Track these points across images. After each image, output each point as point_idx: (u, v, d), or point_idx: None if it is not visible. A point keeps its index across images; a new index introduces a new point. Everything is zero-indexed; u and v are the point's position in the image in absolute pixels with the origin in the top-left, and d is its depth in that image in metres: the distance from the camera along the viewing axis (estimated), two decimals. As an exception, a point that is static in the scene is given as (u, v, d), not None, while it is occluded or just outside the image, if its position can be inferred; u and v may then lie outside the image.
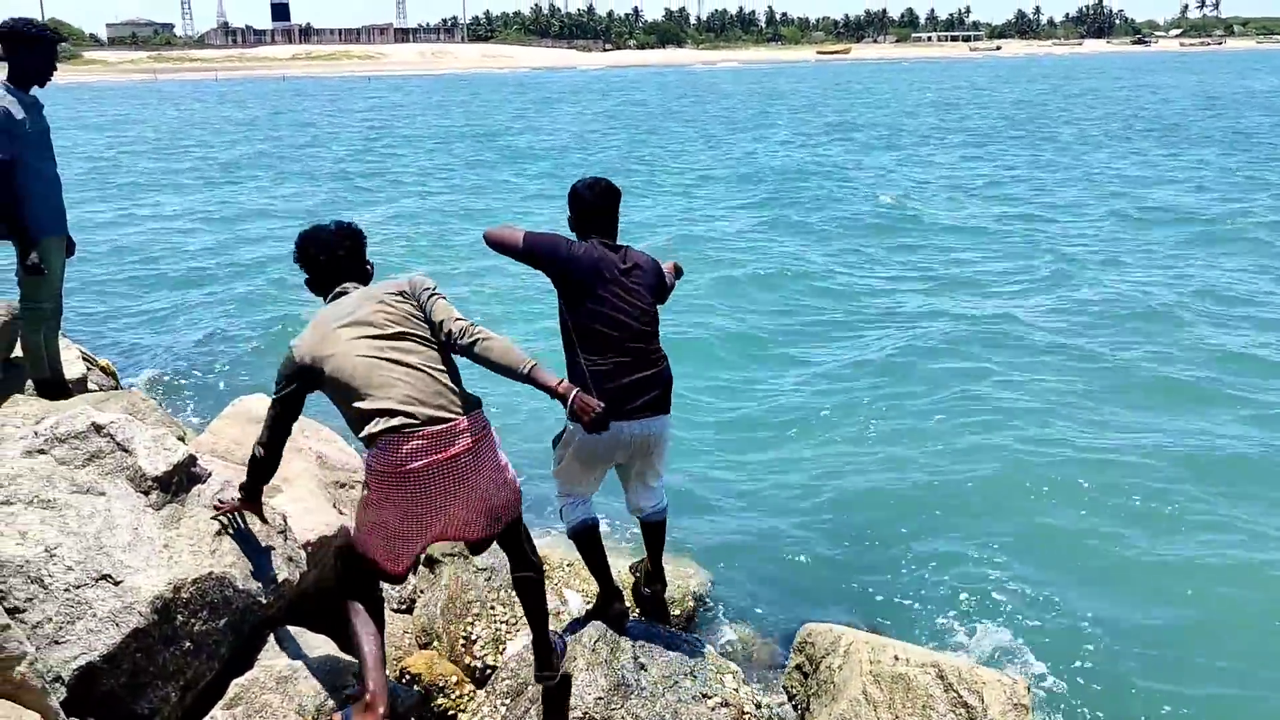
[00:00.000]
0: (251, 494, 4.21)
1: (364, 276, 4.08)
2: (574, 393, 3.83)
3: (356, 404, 3.63)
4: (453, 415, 3.64)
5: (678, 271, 5.01)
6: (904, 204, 20.25)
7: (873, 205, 20.31)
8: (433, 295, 3.86)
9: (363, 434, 3.64)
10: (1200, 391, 9.10)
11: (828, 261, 15.29)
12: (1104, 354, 10.15)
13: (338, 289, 3.99)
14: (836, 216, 19.18)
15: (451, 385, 3.72)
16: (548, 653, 4.17)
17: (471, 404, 3.75)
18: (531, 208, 21.13)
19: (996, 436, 8.19)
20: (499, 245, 4.56)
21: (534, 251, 4.49)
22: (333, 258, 4.03)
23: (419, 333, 3.76)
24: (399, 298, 3.83)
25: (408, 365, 3.67)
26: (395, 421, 3.56)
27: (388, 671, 4.10)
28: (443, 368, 3.75)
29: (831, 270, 14.64)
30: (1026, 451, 7.84)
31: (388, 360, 3.66)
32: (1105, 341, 10.60)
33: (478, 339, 3.73)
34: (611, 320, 4.44)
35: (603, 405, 3.90)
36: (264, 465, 4.04)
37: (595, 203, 4.63)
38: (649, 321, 4.55)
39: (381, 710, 3.56)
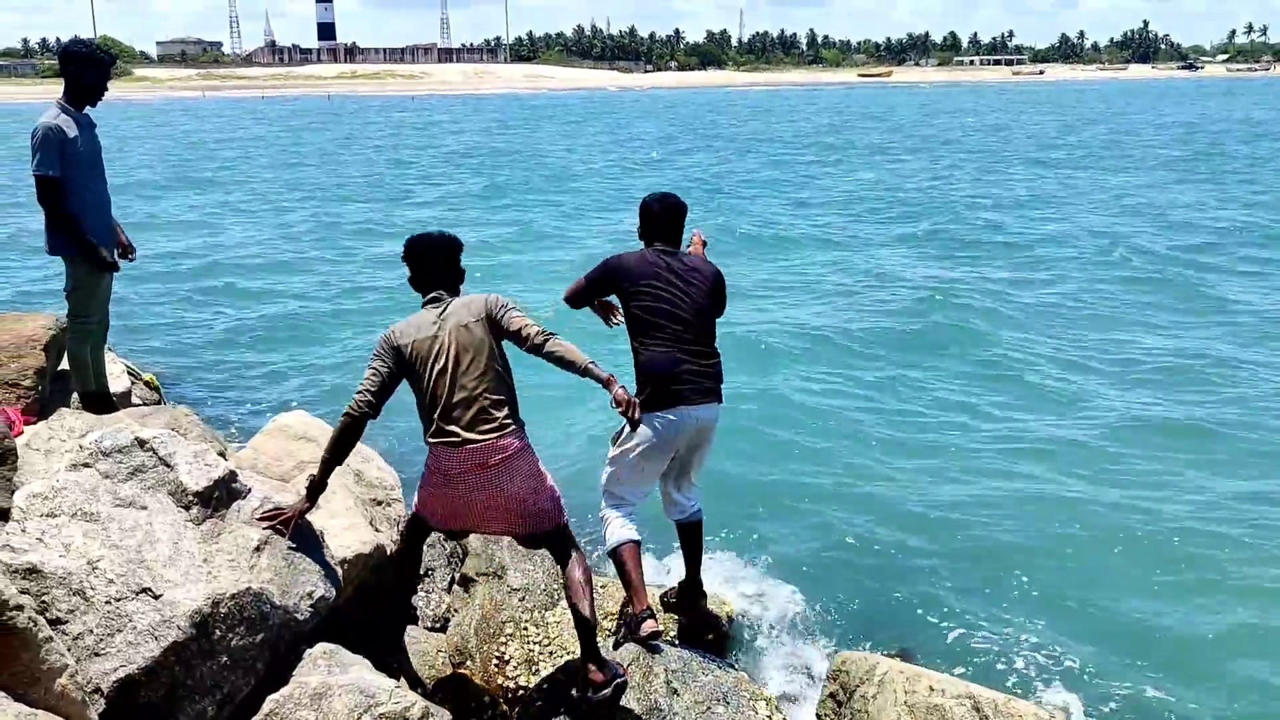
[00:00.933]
0: (318, 489, 4.53)
1: (455, 280, 4.59)
2: (617, 385, 4.26)
3: (422, 408, 4.39)
4: (490, 437, 4.26)
5: (703, 244, 5.49)
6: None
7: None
8: (508, 310, 4.39)
9: (426, 434, 4.39)
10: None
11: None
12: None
13: (433, 294, 4.49)
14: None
15: (497, 410, 4.29)
16: (600, 662, 4.35)
17: (512, 425, 4.33)
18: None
19: (1044, 470, 8.08)
20: (574, 298, 5.21)
21: (595, 281, 5.07)
22: (430, 261, 4.55)
23: (484, 358, 4.31)
24: (479, 322, 4.35)
25: (466, 389, 4.28)
26: (445, 439, 4.28)
27: (420, 692, 4.50)
28: (497, 395, 4.32)
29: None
30: (1075, 489, 7.71)
31: (452, 381, 4.28)
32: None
33: (548, 340, 4.31)
34: (667, 312, 4.86)
35: (639, 401, 4.40)
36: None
37: (661, 215, 5.09)
38: (704, 315, 4.96)
39: None
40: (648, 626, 4.68)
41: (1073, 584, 6.37)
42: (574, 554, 4.49)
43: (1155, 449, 8.48)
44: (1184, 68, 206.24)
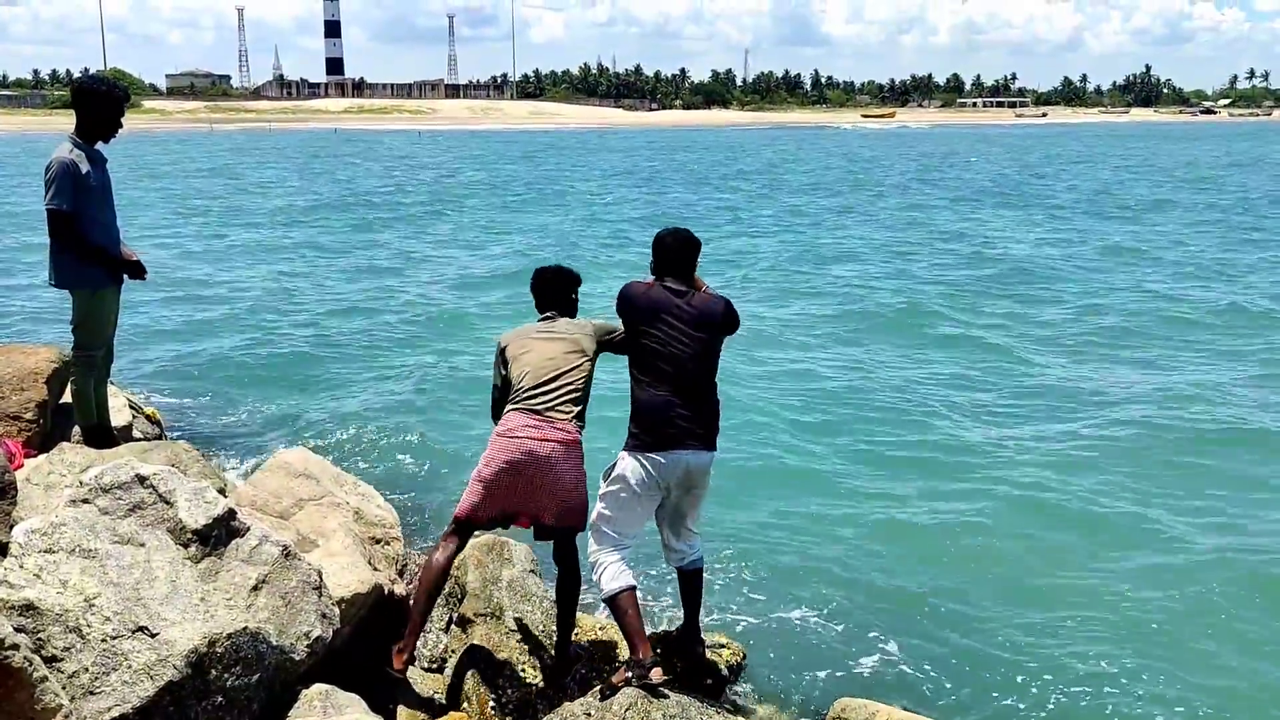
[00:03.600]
0: None
1: (566, 307, 5.30)
2: None
3: (512, 380, 4.97)
4: (554, 417, 4.84)
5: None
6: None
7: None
8: (612, 332, 5.12)
9: (506, 402, 4.98)
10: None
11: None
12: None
13: (547, 314, 5.23)
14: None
15: (567, 405, 4.87)
16: (568, 662, 5.16)
17: (576, 420, 4.89)
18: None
19: (1053, 515, 8.03)
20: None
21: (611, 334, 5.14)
22: (545, 288, 5.30)
23: (571, 366, 4.95)
24: (587, 335, 5.05)
25: (561, 376, 4.91)
26: (518, 402, 4.89)
27: None
28: (574, 392, 4.91)
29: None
30: (1082, 533, 7.68)
31: (550, 371, 4.92)
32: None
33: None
34: (671, 357, 4.89)
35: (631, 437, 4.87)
36: None
37: (673, 248, 5.09)
38: (703, 361, 4.97)
39: (405, 658, 4.79)
40: (657, 674, 4.65)
41: (1083, 636, 6.30)
42: (573, 562, 5.07)
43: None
44: (1205, 112, 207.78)
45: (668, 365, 4.88)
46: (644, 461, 4.87)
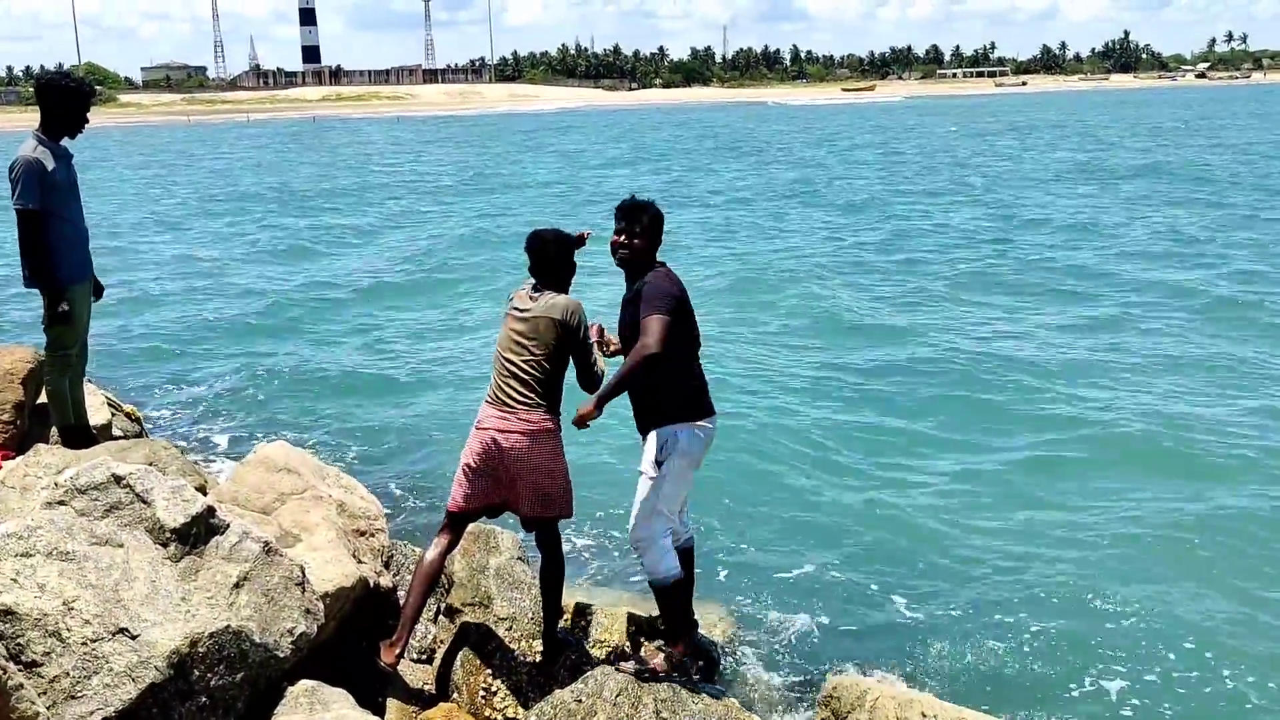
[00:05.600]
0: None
1: (556, 273, 4.99)
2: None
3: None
4: (516, 408, 4.79)
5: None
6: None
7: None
8: (585, 338, 4.90)
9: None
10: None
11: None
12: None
13: (537, 284, 4.98)
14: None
15: (528, 392, 4.80)
16: (556, 649, 5.13)
17: (540, 408, 4.81)
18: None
19: (1040, 491, 8.02)
20: (667, 342, 4.67)
21: (676, 317, 4.76)
22: (537, 255, 5.00)
23: (537, 351, 4.81)
24: (550, 324, 4.81)
25: (514, 365, 4.83)
26: (487, 393, 4.91)
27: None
28: (533, 378, 4.81)
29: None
30: (1077, 508, 7.67)
31: (506, 357, 4.86)
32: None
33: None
34: (698, 332, 5.00)
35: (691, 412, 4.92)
36: None
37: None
38: None
39: (397, 651, 4.78)
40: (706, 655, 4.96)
41: (1071, 607, 6.31)
42: (555, 549, 5.06)
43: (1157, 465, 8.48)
44: (1199, 75, 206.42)
45: (698, 341, 4.97)
46: (699, 431, 4.89)
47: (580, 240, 5.14)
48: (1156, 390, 10.30)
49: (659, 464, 4.86)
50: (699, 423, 4.91)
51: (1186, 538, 7.05)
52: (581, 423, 4.62)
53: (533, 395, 4.81)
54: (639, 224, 4.88)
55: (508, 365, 4.85)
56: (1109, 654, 5.79)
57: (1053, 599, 6.37)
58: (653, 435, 4.87)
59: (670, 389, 4.86)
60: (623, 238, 4.90)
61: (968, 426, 9.53)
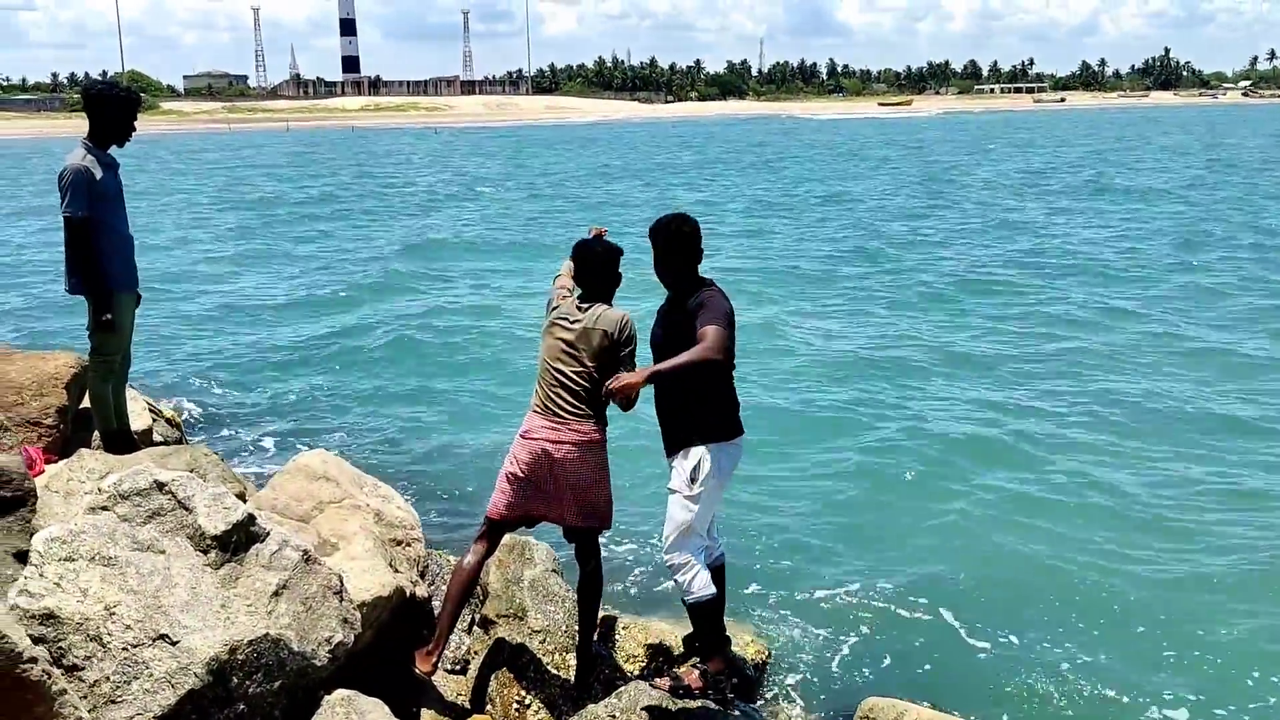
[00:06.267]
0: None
1: (603, 284, 4.98)
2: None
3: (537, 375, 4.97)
4: (567, 418, 4.80)
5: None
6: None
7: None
8: (631, 354, 4.83)
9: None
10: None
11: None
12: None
13: (586, 297, 4.96)
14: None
15: (579, 403, 4.79)
16: (591, 663, 5.15)
17: (590, 419, 4.81)
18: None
19: (1080, 515, 7.85)
20: (729, 353, 4.70)
21: (732, 333, 4.72)
22: (587, 268, 4.99)
23: (588, 362, 4.80)
24: (602, 336, 4.79)
25: (565, 375, 4.82)
26: (535, 401, 4.91)
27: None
28: (584, 388, 4.80)
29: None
30: (1117, 536, 7.49)
31: (555, 366, 4.85)
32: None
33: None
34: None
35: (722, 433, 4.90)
36: None
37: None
38: None
39: (434, 660, 4.82)
40: (743, 675, 4.95)
41: (1115, 635, 6.19)
42: (594, 562, 5.09)
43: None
44: (1245, 94, 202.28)
45: (734, 362, 4.92)
46: (732, 449, 4.90)
47: (599, 239, 5.17)
48: None
49: (693, 482, 4.84)
50: (733, 441, 4.91)
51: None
52: (624, 391, 4.49)
53: (583, 405, 4.81)
54: (663, 245, 4.89)
55: (558, 375, 4.84)
56: (1158, 682, 5.68)
57: (1104, 628, 6.23)
58: (687, 453, 4.83)
59: (707, 406, 4.84)
60: (661, 265, 4.93)
61: (1017, 440, 9.42)
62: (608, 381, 4.57)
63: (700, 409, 4.83)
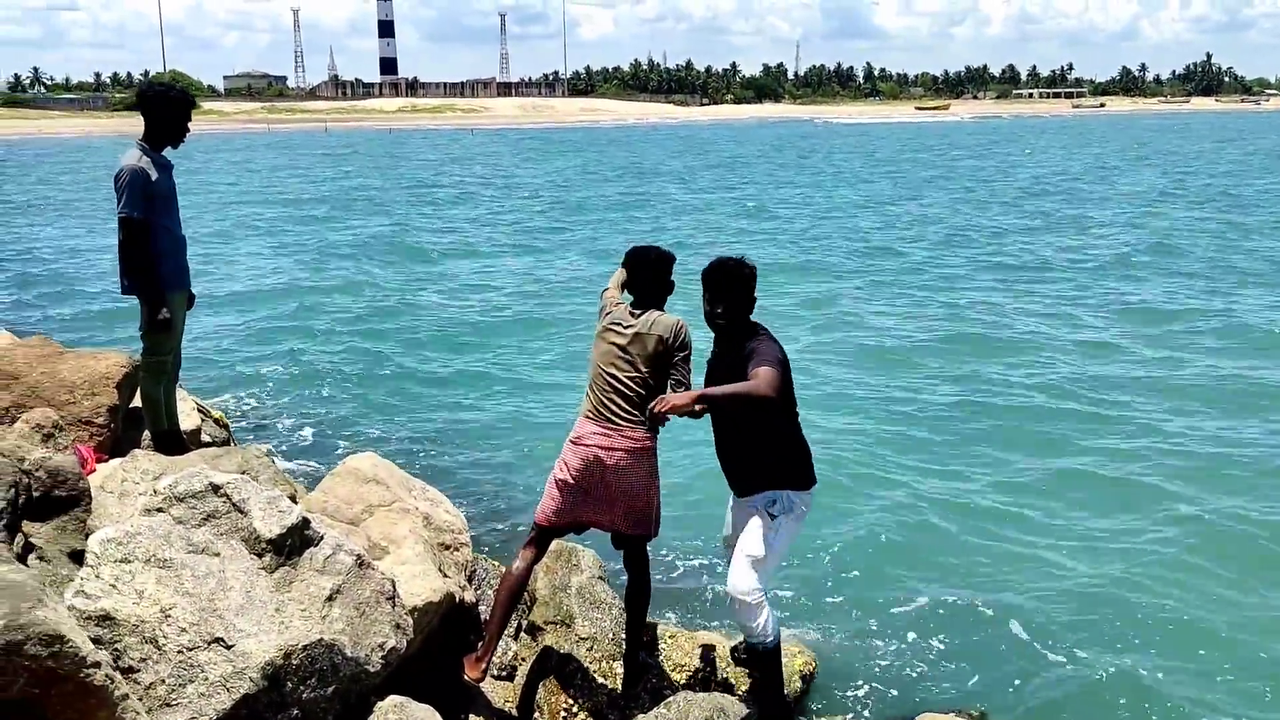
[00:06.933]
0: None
1: (656, 290, 4.96)
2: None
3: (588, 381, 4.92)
4: (620, 425, 4.75)
5: None
6: None
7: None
8: (685, 359, 4.79)
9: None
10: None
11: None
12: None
13: (638, 304, 4.93)
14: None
15: (633, 409, 4.74)
16: (638, 671, 5.15)
17: (643, 426, 4.73)
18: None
19: (1151, 530, 7.67)
20: (778, 387, 4.46)
21: (786, 375, 4.65)
22: (639, 274, 4.97)
23: (643, 367, 4.76)
24: (657, 341, 4.75)
25: (619, 381, 4.77)
26: (586, 407, 4.86)
27: None
28: (638, 394, 4.74)
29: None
30: (1179, 553, 7.29)
31: (609, 372, 4.80)
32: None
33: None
34: None
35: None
36: None
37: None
38: None
39: (483, 667, 4.75)
40: None
41: (1170, 654, 6.06)
42: (643, 572, 5.09)
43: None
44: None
45: (797, 409, 4.91)
46: (805, 498, 4.90)
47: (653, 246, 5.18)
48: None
49: (772, 515, 4.78)
50: (809, 490, 4.92)
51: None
52: (673, 412, 4.34)
53: (637, 412, 4.76)
54: (728, 292, 4.77)
55: (611, 381, 4.80)
56: (1222, 701, 5.57)
57: (1171, 650, 6.09)
58: (763, 495, 4.81)
59: (782, 454, 4.81)
60: (717, 309, 4.80)
61: (1097, 454, 9.22)
62: (653, 402, 4.45)
63: (778, 455, 4.80)
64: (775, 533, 4.75)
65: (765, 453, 4.78)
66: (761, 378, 4.34)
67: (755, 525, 4.79)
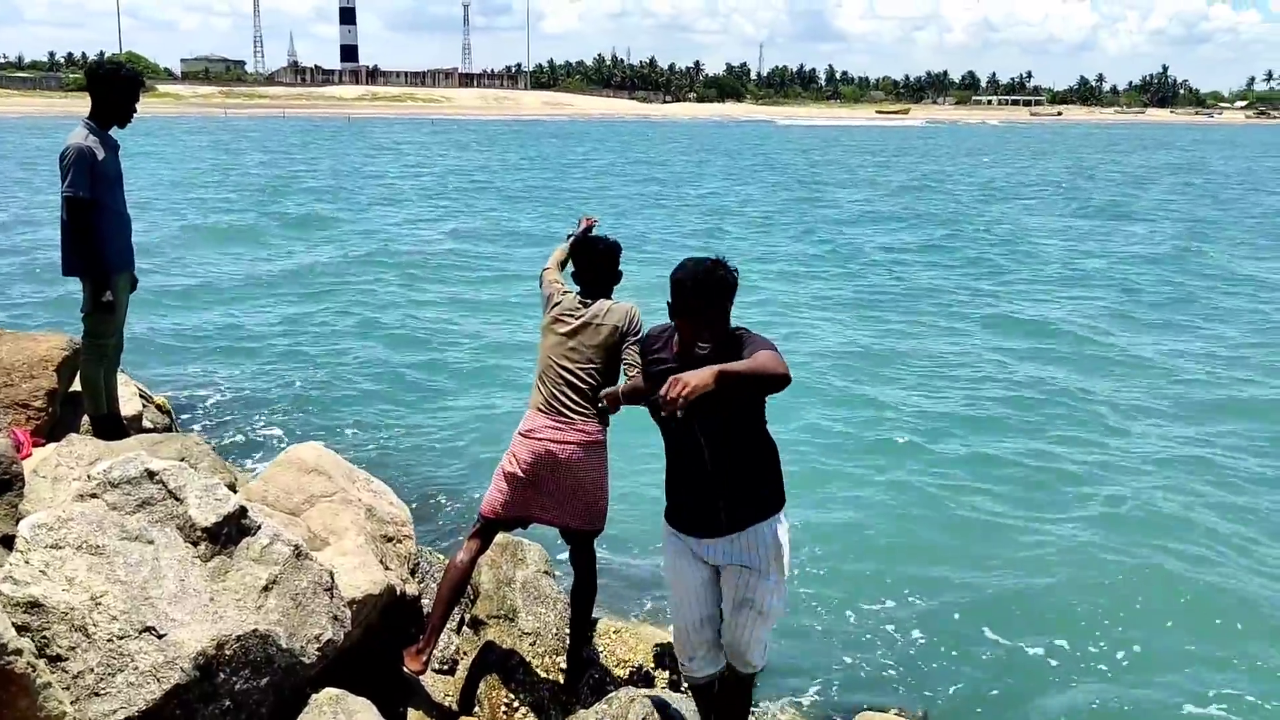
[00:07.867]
0: None
1: (606, 280, 4.89)
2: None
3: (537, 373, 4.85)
4: (572, 418, 4.69)
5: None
6: None
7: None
8: (635, 343, 4.65)
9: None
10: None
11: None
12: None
13: (587, 293, 4.86)
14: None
15: (584, 401, 4.69)
16: (580, 666, 5.10)
17: (594, 419, 4.71)
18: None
19: (1078, 526, 7.82)
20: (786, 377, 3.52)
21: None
22: (588, 262, 4.90)
23: (595, 359, 4.72)
24: (611, 331, 4.71)
25: (570, 372, 4.72)
26: (537, 399, 4.79)
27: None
28: (590, 386, 4.70)
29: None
30: (1116, 546, 7.44)
31: (560, 364, 4.74)
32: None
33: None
34: None
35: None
36: None
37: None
38: None
39: (424, 659, 4.75)
40: None
41: (1107, 648, 6.16)
42: (587, 568, 5.02)
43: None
44: (1260, 114, 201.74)
45: None
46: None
47: (589, 227, 5.22)
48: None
49: (785, 564, 4.09)
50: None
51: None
52: (693, 394, 3.21)
53: (588, 405, 4.71)
54: (704, 295, 3.73)
55: (563, 373, 4.74)
56: (1160, 704, 5.64)
57: (1100, 646, 6.18)
58: (769, 530, 3.97)
59: (775, 469, 4.05)
60: (703, 333, 3.76)
61: (1032, 464, 9.31)
62: (664, 388, 3.26)
63: (773, 471, 4.03)
64: (784, 586, 4.08)
65: (765, 471, 4.01)
66: (771, 358, 3.51)
67: (769, 584, 4.01)
